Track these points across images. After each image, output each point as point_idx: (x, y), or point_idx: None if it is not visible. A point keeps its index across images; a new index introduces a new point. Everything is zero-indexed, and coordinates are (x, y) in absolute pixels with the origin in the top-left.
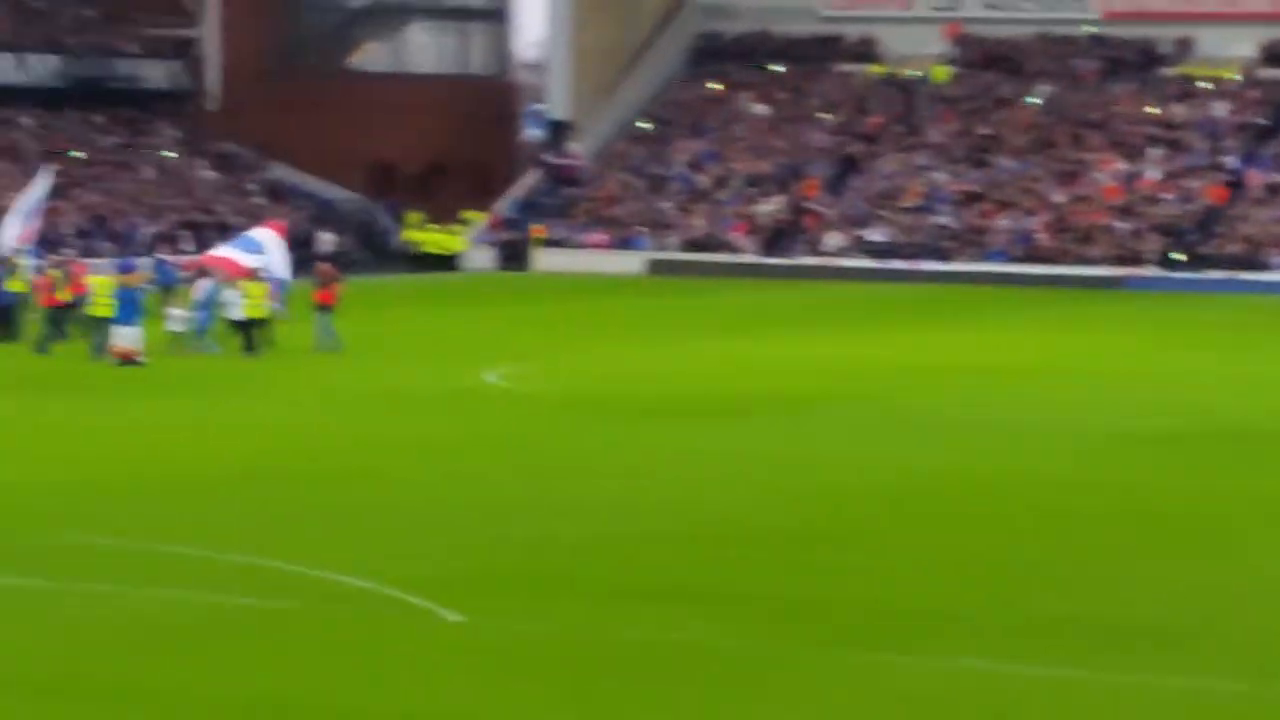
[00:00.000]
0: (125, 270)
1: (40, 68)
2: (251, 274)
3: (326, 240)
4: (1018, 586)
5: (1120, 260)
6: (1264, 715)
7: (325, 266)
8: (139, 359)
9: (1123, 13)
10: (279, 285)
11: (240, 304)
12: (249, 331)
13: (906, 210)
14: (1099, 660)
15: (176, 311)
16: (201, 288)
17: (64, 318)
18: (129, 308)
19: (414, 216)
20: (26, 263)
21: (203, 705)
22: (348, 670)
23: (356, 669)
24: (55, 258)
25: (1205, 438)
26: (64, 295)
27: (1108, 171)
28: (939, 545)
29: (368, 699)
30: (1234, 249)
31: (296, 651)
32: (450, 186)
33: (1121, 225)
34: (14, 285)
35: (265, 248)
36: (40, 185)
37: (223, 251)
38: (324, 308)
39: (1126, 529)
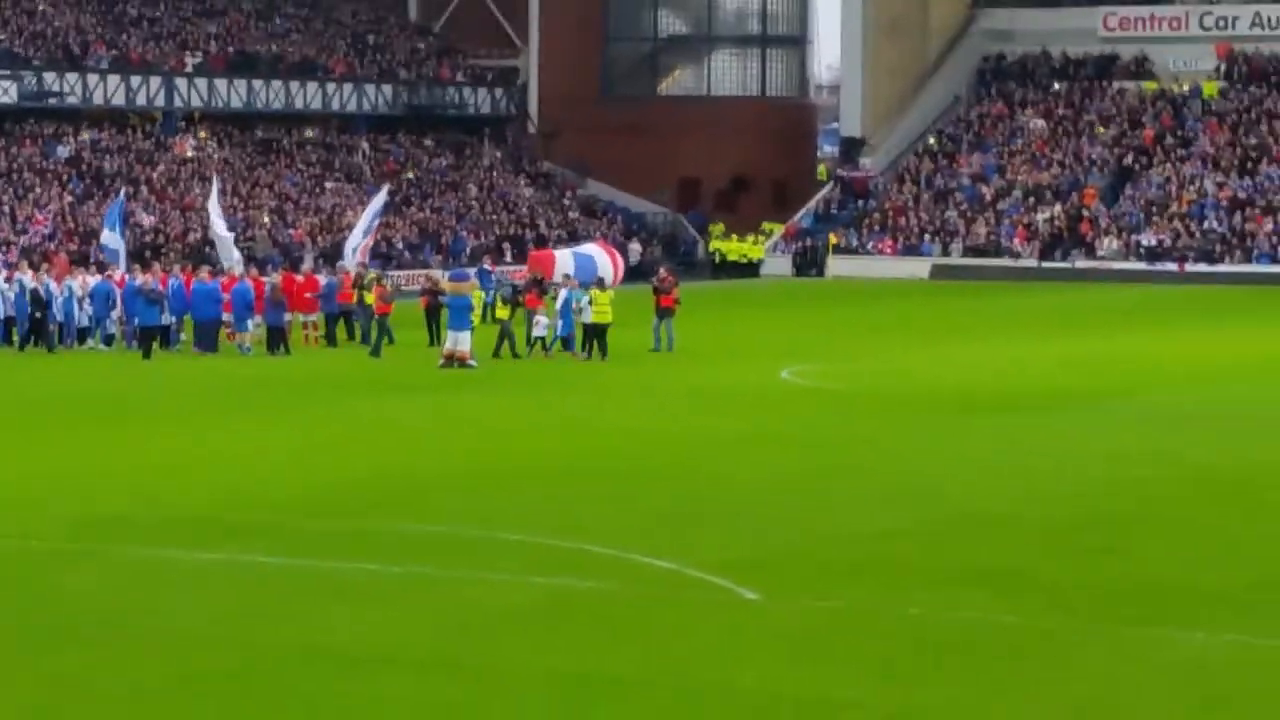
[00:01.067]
0: (457, 279)
1: (377, 97)
2: (566, 280)
3: (634, 251)
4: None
5: None
6: None
7: (665, 273)
8: (470, 362)
9: None
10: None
11: (590, 310)
12: (596, 337)
13: (1177, 216)
14: None
15: (541, 318)
16: (561, 295)
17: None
18: (460, 315)
19: (717, 227)
20: (371, 274)
21: (534, 678)
22: (658, 644)
23: (665, 643)
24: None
25: None
26: (391, 303)
27: None
28: (1211, 531)
29: (680, 670)
30: None
31: (613, 628)
32: (751, 200)
33: None
34: (368, 297)
35: (596, 261)
36: (377, 203)
37: (555, 252)
38: (665, 311)
39: None
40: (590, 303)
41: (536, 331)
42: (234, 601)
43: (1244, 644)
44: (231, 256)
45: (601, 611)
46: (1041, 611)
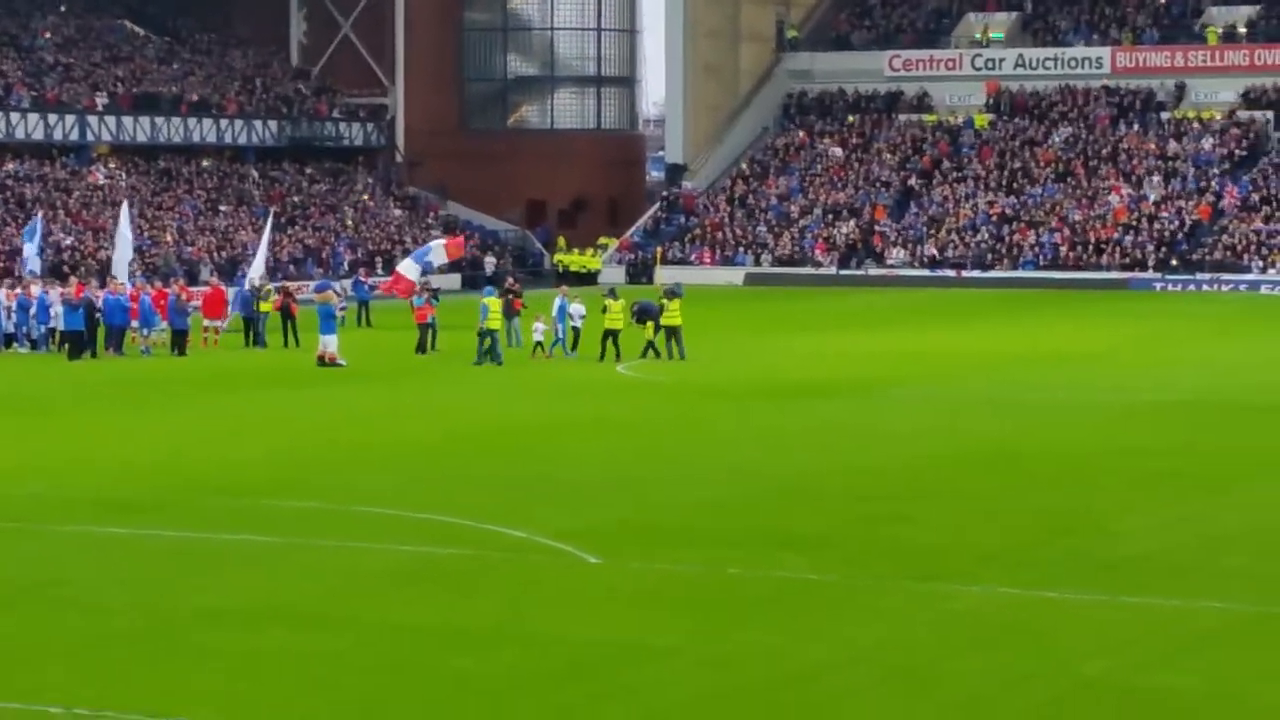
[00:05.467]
0: (322, 290)
1: (264, 131)
2: (414, 287)
3: (489, 263)
4: (1046, 531)
5: (1126, 266)
6: (1239, 631)
7: (513, 282)
8: (340, 361)
9: (1129, 68)
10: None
11: (582, 315)
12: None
13: (955, 229)
14: (1104, 585)
15: (538, 324)
16: (556, 302)
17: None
18: (326, 320)
19: (561, 242)
20: (270, 287)
21: (400, 631)
22: (510, 601)
23: (516, 600)
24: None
25: (1197, 408)
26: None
27: (1116, 196)
28: (985, 499)
29: (526, 624)
30: (1217, 256)
31: (469, 588)
32: (590, 218)
33: (1127, 238)
34: (265, 306)
35: (431, 253)
36: (268, 226)
37: (402, 267)
38: (514, 314)
39: (1136, 482)
40: (604, 311)
41: (536, 336)
42: (138, 570)
43: (1013, 595)
44: (121, 269)
45: (459, 574)
46: (843, 570)
